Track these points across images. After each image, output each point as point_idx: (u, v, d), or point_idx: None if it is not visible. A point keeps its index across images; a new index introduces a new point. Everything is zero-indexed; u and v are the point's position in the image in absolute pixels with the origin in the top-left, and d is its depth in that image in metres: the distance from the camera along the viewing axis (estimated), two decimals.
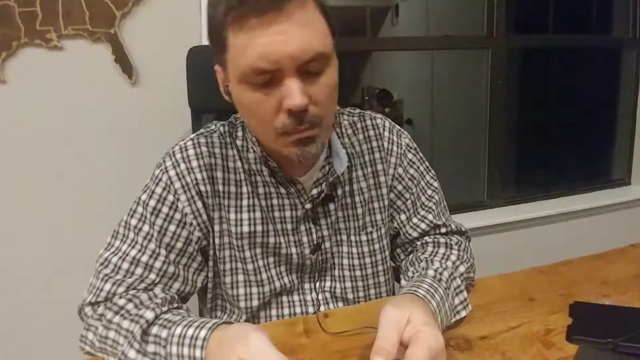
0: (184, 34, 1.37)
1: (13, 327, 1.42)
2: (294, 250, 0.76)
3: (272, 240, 0.74)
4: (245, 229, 0.73)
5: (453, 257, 0.75)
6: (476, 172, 2.15)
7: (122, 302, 0.63)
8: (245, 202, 0.73)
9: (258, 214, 0.74)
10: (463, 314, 0.68)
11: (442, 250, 0.78)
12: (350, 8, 2.94)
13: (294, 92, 0.58)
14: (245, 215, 0.73)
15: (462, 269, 0.74)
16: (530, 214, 2.01)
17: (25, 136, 1.35)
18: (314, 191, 0.74)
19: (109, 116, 1.40)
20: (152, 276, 0.67)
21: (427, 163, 0.86)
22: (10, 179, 1.36)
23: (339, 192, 0.78)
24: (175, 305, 0.66)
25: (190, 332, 0.56)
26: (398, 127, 0.85)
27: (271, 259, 0.75)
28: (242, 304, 0.75)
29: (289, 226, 0.75)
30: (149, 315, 0.60)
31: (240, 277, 0.74)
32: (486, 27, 1.97)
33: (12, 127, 1.33)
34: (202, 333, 0.55)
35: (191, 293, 0.74)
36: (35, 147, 1.36)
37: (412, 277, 0.71)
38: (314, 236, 0.77)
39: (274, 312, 0.77)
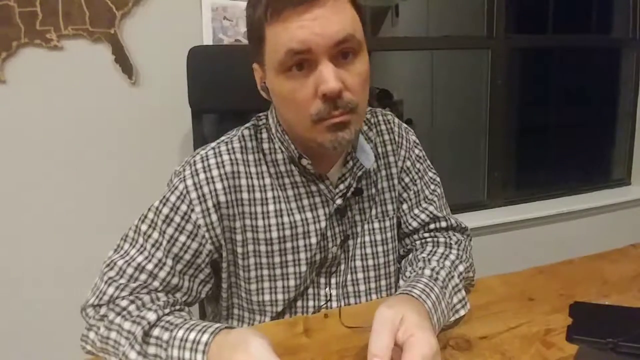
0: (184, 34, 1.37)
1: (15, 327, 1.42)
2: (322, 246, 0.76)
3: (301, 242, 0.74)
4: (275, 234, 0.73)
5: (452, 257, 0.76)
6: (476, 172, 2.15)
7: (124, 303, 0.63)
8: (272, 208, 0.73)
9: (286, 219, 0.73)
10: (462, 312, 0.68)
11: (440, 249, 0.78)
12: None
13: (327, 77, 0.60)
14: (273, 221, 0.73)
15: (460, 268, 0.74)
16: (530, 214, 2.01)
17: (26, 136, 1.35)
18: (341, 186, 0.75)
19: (109, 116, 1.40)
20: (156, 284, 0.67)
21: (429, 161, 0.88)
22: (10, 179, 1.36)
23: (362, 186, 0.79)
24: (177, 307, 0.66)
25: (192, 335, 0.56)
26: (404, 124, 0.87)
27: (302, 265, 0.75)
28: (267, 309, 0.75)
29: (323, 224, 0.75)
30: (151, 316, 0.60)
31: (266, 285, 0.74)
32: (486, 27, 1.97)
33: (12, 127, 1.33)
34: (205, 337, 0.55)
35: (193, 304, 0.73)
36: (35, 147, 1.36)
37: (409, 277, 0.71)
38: (339, 229, 0.77)
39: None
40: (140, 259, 0.67)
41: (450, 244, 0.80)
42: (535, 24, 2.44)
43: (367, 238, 0.79)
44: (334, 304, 0.78)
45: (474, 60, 2.15)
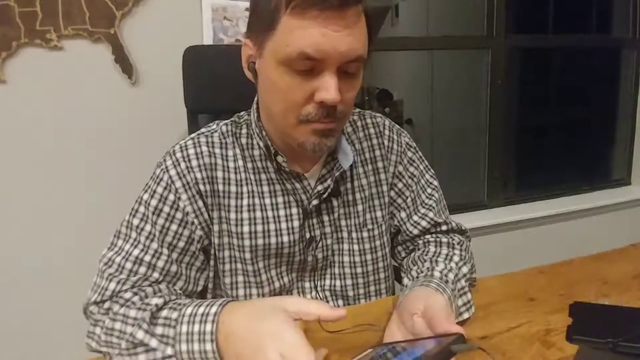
0: (183, 34, 1.37)
1: (17, 326, 1.42)
2: (295, 248, 0.76)
3: (273, 240, 0.74)
4: (246, 228, 0.73)
5: (456, 258, 0.76)
6: (476, 172, 2.15)
7: (128, 295, 0.64)
8: (245, 202, 0.73)
9: (258, 214, 0.74)
10: (466, 315, 0.68)
11: (444, 250, 0.78)
12: None
13: (331, 87, 0.61)
14: (245, 215, 0.73)
15: (464, 269, 0.74)
16: (530, 214, 2.01)
17: (25, 136, 1.35)
18: (319, 187, 0.75)
19: (109, 116, 1.40)
20: (156, 275, 0.68)
21: (426, 162, 0.87)
22: (10, 179, 1.36)
23: (342, 189, 0.78)
24: (181, 296, 0.67)
25: (200, 310, 0.56)
26: (398, 126, 0.86)
27: (272, 260, 0.75)
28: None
29: (296, 223, 0.75)
30: (158, 301, 0.60)
31: (240, 278, 0.75)
32: (486, 27, 1.97)
33: (12, 127, 1.33)
34: (213, 309, 0.55)
35: (195, 292, 0.74)
36: (35, 147, 1.36)
37: (416, 277, 0.71)
38: (317, 232, 0.77)
39: None
40: (136, 252, 0.68)
41: (453, 244, 0.80)
42: (535, 24, 2.44)
43: (355, 246, 0.79)
44: None
45: (474, 60, 2.15)
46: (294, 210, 0.75)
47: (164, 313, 0.59)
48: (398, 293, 0.75)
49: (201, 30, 1.42)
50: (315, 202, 0.75)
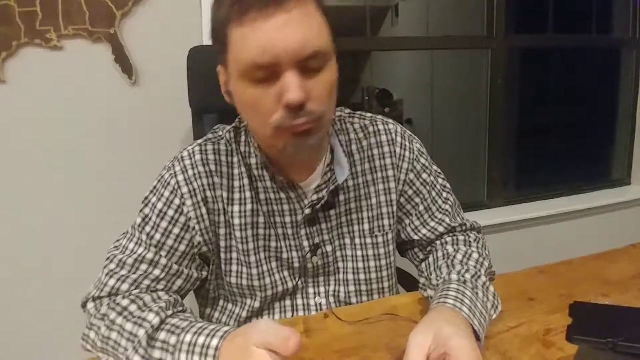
0: (184, 34, 1.38)
1: (16, 326, 1.42)
2: (294, 254, 0.76)
3: (273, 244, 0.75)
4: (250, 232, 0.74)
5: (475, 255, 0.76)
6: (476, 172, 2.15)
7: (125, 302, 0.64)
8: (249, 207, 0.74)
9: (262, 219, 0.74)
10: (500, 308, 0.69)
11: (462, 248, 0.78)
12: (350, 8, 2.93)
13: (292, 87, 0.58)
14: (249, 220, 0.74)
15: (486, 264, 0.75)
16: (530, 214, 2.01)
17: (26, 136, 1.35)
18: (314, 197, 0.75)
19: (109, 116, 1.40)
20: (157, 272, 0.69)
21: (435, 166, 0.87)
22: (10, 179, 1.36)
23: (342, 198, 0.78)
24: (179, 308, 0.66)
25: (201, 340, 0.56)
26: (409, 132, 0.85)
27: (274, 264, 0.76)
28: (247, 302, 0.77)
29: (290, 231, 0.76)
30: (155, 319, 0.60)
31: (244, 282, 0.75)
32: (486, 27, 1.97)
33: (12, 127, 1.33)
34: (214, 342, 0.55)
35: (189, 290, 0.76)
36: (35, 147, 1.36)
37: (437, 285, 0.72)
38: (315, 240, 0.77)
39: (277, 316, 0.78)
40: (139, 250, 0.69)
41: (470, 242, 0.81)
42: (535, 24, 2.44)
43: (358, 252, 0.79)
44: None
45: (474, 60, 2.15)
46: (288, 219, 0.76)
47: (162, 336, 0.58)
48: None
49: (201, 30, 1.42)
50: (308, 211, 0.75)
